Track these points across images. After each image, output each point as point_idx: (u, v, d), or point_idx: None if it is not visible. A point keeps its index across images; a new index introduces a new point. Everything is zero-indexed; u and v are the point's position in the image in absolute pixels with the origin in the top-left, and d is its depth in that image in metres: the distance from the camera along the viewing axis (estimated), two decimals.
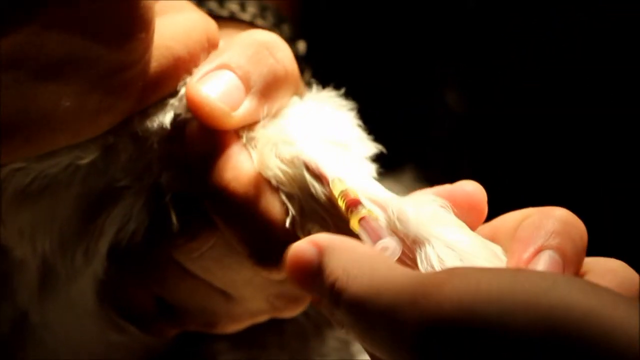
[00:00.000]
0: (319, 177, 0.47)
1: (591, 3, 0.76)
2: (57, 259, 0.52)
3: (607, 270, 0.41)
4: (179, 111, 0.49)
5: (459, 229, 0.43)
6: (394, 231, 0.44)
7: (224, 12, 0.66)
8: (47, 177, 0.49)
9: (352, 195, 0.44)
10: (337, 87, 0.53)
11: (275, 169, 0.48)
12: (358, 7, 0.83)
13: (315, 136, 0.49)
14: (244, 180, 0.48)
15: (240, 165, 0.48)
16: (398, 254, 0.42)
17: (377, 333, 0.35)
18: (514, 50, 0.80)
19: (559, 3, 0.77)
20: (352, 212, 0.44)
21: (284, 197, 0.48)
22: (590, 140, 0.78)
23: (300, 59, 0.71)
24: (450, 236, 0.43)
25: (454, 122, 0.81)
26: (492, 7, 0.79)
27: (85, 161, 0.48)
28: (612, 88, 0.76)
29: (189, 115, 0.49)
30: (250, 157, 0.48)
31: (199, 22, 0.49)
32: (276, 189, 0.48)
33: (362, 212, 0.43)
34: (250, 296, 0.52)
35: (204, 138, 0.48)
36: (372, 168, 0.51)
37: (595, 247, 0.76)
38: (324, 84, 0.54)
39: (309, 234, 0.47)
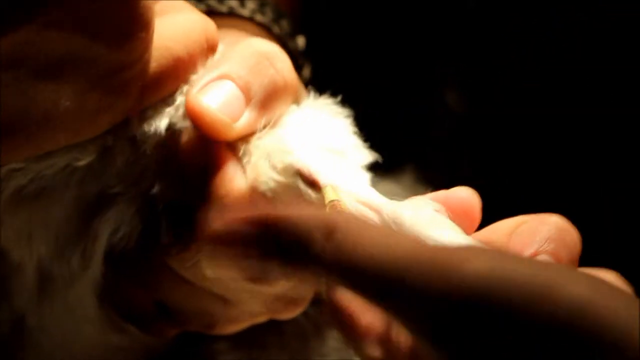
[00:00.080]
0: (313, 184, 0.46)
1: (591, 3, 0.76)
2: (53, 263, 0.52)
3: None
4: (174, 120, 0.49)
5: (454, 232, 0.43)
6: None
7: (223, 8, 0.66)
8: (44, 178, 0.49)
9: (340, 208, 0.44)
10: (336, 87, 0.53)
11: (270, 180, 0.47)
12: (358, 6, 0.83)
13: (311, 144, 0.48)
14: (237, 197, 0.48)
15: (234, 181, 0.48)
16: None
17: (384, 296, 0.35)
18: (514, 50, 0.80)
19: (559, 3, 0.77)
20: None
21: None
22: (590, 140, 0.78)
23: (300, 54, 0.71)
24: (445, 239, 0.43)
25: (454, 122, 0.81)
26: (492, 7, 0.79)
27: (82, 163, 0.48)
28: (612, 88, 0.76)
29: (184, 125, 0.49)
30: (244, 172, 0.48)
31: (198, 22, 0.49)
32: (270, 202, 0.48)
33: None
34: (247, 300, 0.52)
35: (198, 151, 0.49)
36: (368, 176, 0.50)
37: (596, 247, 0.76)
38: (323, 83, 0.54)
39: None
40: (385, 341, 0.39)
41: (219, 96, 0.48)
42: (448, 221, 0.44)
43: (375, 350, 0.40)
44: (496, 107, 0.80)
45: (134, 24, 0.43)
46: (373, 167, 0.52)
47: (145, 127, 0.48)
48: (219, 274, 0.50)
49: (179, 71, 0.48)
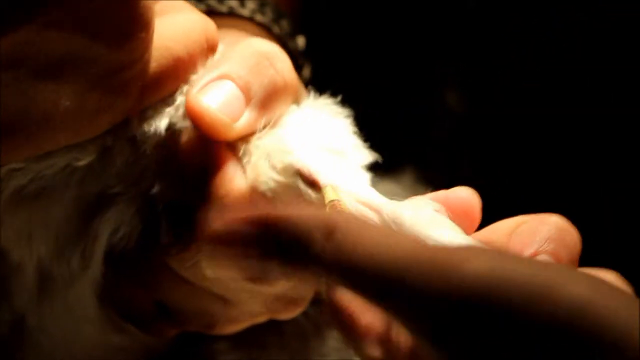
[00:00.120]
0: (313, 184, 0.46)
1: (591, 3, 0.76)
2: (53, 263, 0.52)
3: None
4: (174, 120, 0.49)
5: (454, 232, 0.43)
6: None
7: (223, 8, 0.66)
8: (44, 178, 0.49)
9: (339, 208, 0.44)
10: (336, 87, 0.53)
11: (270, 181, 0.47)
12: (358, 6, 0.83)
13: (311, 144, 0.48)
14: (237, 197, 0.48)
15: (234, 181, 0.48)
16: None
17: (384, 296, 0.34)
18: (514, 50, 0.80)
19: (558, 3, 0.77)
20: None
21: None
22: (590, 140, 0.78)
23: (300, 54, 0.71)
24: (445, 239, 0.43)
25: (453, 122, 0.81)
26: (492, 7, 0.79)
27: (82, 163, 0.48)
28: (612, 88, 0.76)
29: (185, 125, 0.49)
30: (244, 172, 0.48)
31: (198, 22, 0.49)
32: (270, 203, 0.48)
33: None
34: (246, 300, 0.52)
35: (198, 151, 0.49)
36: (368, 176, 0.50)
37: (596, 247, 0.76)
38: (323, 83, 0.54)
39: None
40: (385, 341, 0.39)
41: (219, 96, 0.48)
42: (448, 221, 0.44)
43: (375, 350, 0.40)
44: (496, 107, 0.80)
45: (134, 23, 0.43)
46: (373, 167, 0.52)
47: (145, 127, 0.48)
48: (218, 273, 0.50)
49: (179, 71, 0.48)
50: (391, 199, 0.46)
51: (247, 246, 0.37)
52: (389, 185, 0.66)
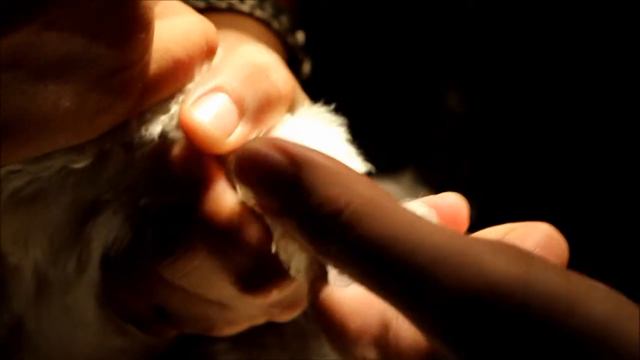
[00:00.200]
0: None
1: (591, 1, 0.76)
2: (49, 267, 0.52)
3: None
4: (168, 129, 0.49)
5: None
6: None
7: (223, 4, 0.66)
8: (40, 180, 0.49)
9: None
10: (337, 87, 0.53)
11: None
12: (357, 5, 0.83)
13: None
14: (227, 213, 0.48)
15: (223, 198, 0.48)
16: (349, 284, 0.40)
17: (391, 285, 0.34)
18: (514, 49, 0.80)
19: (558, 1, 0.77)
20: None
21: (268, 221, 0.47)
22: (590, 140, 0.78)
23: (299, 49, 0.71)
24: None
25: (454, 122, 0.81)
26: (492, 6, 0.79)
27: (79, 165, 0.48)
28: (612, 87, 0.76)
29: (177, 135, 0.48)
30: (234, 187, 0.48)
31: (198, 25, 0.48)
32: (259, 217, 0.48)
33: None
34: (243, 305, 0.52)
35: (189, 165, 0.48)
36: None
37: (596, 247, 0.76)
38: (323, 83, 0.54)
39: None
40: (380, 343, 0.39)
41: (212, 109, 0.47)
42: (439, 224, 0.44)
43: (370, 353, 0.40)
44: (496, 108, 0.80)
45: (134, 24, 0.43)
46: (373, 168, 0.52)
47: (141, 133, 0.48)
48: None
49: (178, 73, 0.48)
50: None
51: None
52: (389, 185, 0.66)
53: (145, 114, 0.48)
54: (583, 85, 0.77)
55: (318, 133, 0.50)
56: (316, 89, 0.55)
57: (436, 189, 0.47)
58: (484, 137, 0.80)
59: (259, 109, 0.49)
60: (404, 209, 0.36)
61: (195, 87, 0.48)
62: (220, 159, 0.49)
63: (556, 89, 0.78)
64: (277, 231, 0.47)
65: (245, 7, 0.67)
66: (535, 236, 0.42)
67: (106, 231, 0.50)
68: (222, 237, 0.48)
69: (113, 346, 0.55)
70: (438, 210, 0.44)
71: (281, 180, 0.38)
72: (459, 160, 0.81)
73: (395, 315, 0.38)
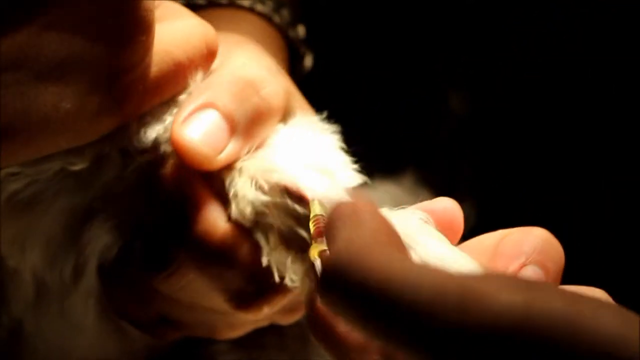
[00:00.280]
0: (300, 200, 0.46)
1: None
2: (46, 271, 0.52)
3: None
4: (161, 140, 0.49)
5: (441, 242, 0.43)
6: None
7: (224, 0, 0.66)
8: (37, 183, 0.49)
9: (322, 224, 0.43)
10: (337, 88, 0.53)
11: (256, 202, 0.47)
12: (356, 5, 0.83)
13: (297, 161, 0.48)
14: (218, 236, 0.48)
15: (214, 219, 0.48)
16: None
17: (395, 330, 0.33)
18: (514, 46, 0.80)
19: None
20: (316, 240, 0.42)
21: (259, 235, 0.47)
22: (591, 141, 0.78)
23: (300, 43, 0.71)
24: (434, 247, 0.42)
25: (454, 123, 0.81)
26: (491, 3, 0.79)
27: (77, 167, 0.48)
28: (615, 90, 0.76)
29: (169, 149, 0.48)
30: (228, 200, 0.48)
31: (198, 28, 0.48)
32: (249, 233, 0.48)
33: (325, 245, 0.42)
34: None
35: (179, 182, 0.48)
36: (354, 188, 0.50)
37: (597, 247, 0.76)
38: (324, 83, 0.54)
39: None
40: (376, 350, 0.39)
41: (202, 127, 0.47)
42: (435, 231, 0.44)
43: None
44: (497, 109, 0.80)
45: (134, 26, 0.43)
46: (374, 169, 0.52)
47: (139, 137, 0.48)
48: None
49: (179, 76, 0.48)
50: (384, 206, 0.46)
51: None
52: (390, 186, 0.66)
53: (145, 117, 0.48)
54: (584, 84, 0.77)
55: (311, 142, 0.50)
56: (316, 90, 0.55)
57: (437, 190, 0.47)
58: (484, 138, 0.80)
59: (250, 124, 0.48)
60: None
61: (187, 102, 0.48)
62: (212, 175, 0.49)
63: (557, 88, 0.78)
64: (269, 243, 0.47)
65: (246, 2, 0.67)
66: (531, 241, 0.42)
67: (99, 239, 0.50)
68: (213, 258, 0.48)
69: (113, 347, 0.55)
70: (434, 216, 0.44)
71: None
72: (460, 161, 0.81)
73: None
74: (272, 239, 0.47)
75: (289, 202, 0.46)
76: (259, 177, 0.47)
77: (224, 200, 0.48)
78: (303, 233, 0.46)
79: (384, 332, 0.33)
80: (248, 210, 0.47)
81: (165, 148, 0.49)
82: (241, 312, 0.49)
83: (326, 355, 0.60)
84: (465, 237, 0.45)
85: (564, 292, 0.33)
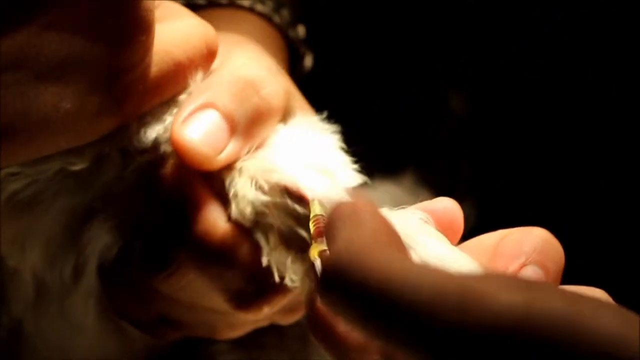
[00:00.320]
0: (300, 200, 0.46)
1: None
2: (46, 272, 0.52)
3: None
4: (161, 140, 0.49)
5: (441, 242, 0.43)
6: None
7: (224, 0, 0.66)
8: (37, 183, 0.49)
9: (322, 224, 0.43)
10: (338, 88, 0.53)
11: (257, 202, 0.47)
12: (356, 6, 0.83)
13: (297, 161, 0.48)
14: (218, 236, 0.48)
15: (214, 219, 0.48)
16: None
17: (395, 331, 0.33)
18: (514, 45, 0.80)
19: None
20: (316, 240, 0.42)
21: (259, 235, 0.47)
22: (591, 141, 0.78)
23: (301, 43, 0.71)
24: (434, 247, 0.42)
25: (455, 124, 0.81)
26: (492, 3, 0.79)
27: (76, 167, 0.48)
28: (613, 88, 0.76)
29: (169, 149, 0.48)
30: (228, 200, 0.48)
31: (198, 28, 0.48)
32: (249, 233, 0.48)
33: (325, 245, 0.42)
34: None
35: (179, 182, 0.48)
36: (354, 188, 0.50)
37: (597, 247, 0.76)
38: (324, 83, 0.54)
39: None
40: (376, 350, 0.39)
41: (202, 127, 0.47)
42: (435, 231, 0.44)
43: None
44: (496, 109, 0.80)
45: (134, 26, 0.43)
46: (374, 169, 0.52)
47: (139, 137, 0.48)
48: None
49: (179, 76, 0.48)
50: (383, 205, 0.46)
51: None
52: (390, 186, 0.66)
53: (145, 117, 0.48)
54: (584, 84, 0.77)
55: (310, 142, 0.50)
56: (316, 90, 0.55)
57: (437, 190, 0.47)
58: (484, 138, 0.80)
59: (250, 124, 0.48)
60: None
61: (187, 102, 0.48)
62: (212, 175, 0.49)
63: (557, 88, 0.78)
64: (269, 243, 0.47)
65: (245, 2, 0.67)
66: (531, 241, 0.42)
67: (99, 239, 0.50)
68: (213, 258, 0.48)
69: (113, 348, 0.55)
70: (434, 216, 0.44)
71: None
72: (460, 161, 0.81)
73: None
74: (272, 239, 0.47)
75: (289, 202, 0.46)
76: (259, 177, 0.47)
77: (224, 200, 0.48)
78: (303, 233, 0.46)
79: (384, 332, 0.33)
80: (248, 210, 0.47)
81: (165, 148, 0.49)
82: (241, 312, 0.49)
83: (326, 355, 0.60)
84: (465, 237, 0.45)
85: (564, 292, 0.33)
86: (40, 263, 0.51)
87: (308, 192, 0.46)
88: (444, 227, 0.44)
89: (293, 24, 0.71)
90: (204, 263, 0.48)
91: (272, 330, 0.59)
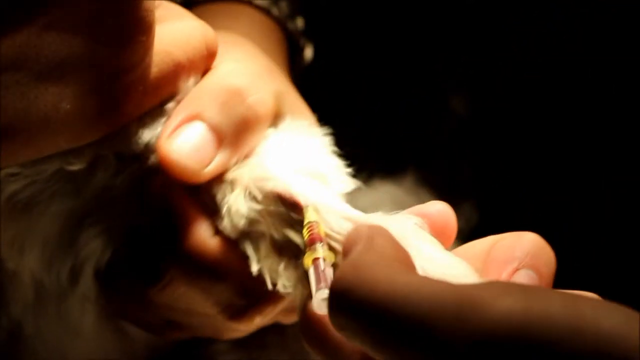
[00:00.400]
0: (294, 207, 0.46)
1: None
2: (44, 274, 0.52)
3: None
4: (153, 149, 0.48)
5: (435, 246, 0.43)
6: None
7: None
8: (36, 184, 0.49)
9: (316, 230, 0.43)
10: (338, 88, 0.53)
11: (251, 211, 0.47)
12: (356, 5, 0.83)
13: (289, 167, 0.48)
14: (206, 249, 0.48)
15: (201, 234, 0.48)
16: None
17: (398, 343, 0.33)
18: (514, 45, 0.80)
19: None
20: (310, 248, 0.43)
21: (249, 244, 0.47)
22: (591, 141, 0.78)
23: (300, 35, 0.71)
24: (429, 252, 0.42)
25: (455, 124, 0.81)
26: (492, 3, 0.79)
27: (74, 167, 0.48)
28: (614, 88, 0.76)
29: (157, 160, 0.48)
30: (210, 221, 0.48)
31: (198, 29, 0.48)
32: (237, 246, 0.48)
33: (319, 252, 0.42)
34: None
35: (164, 199, 0.49)
36: (347, 195, 0.50)
37: (597, 248, 0.76)
38: (325, 84, 0.54)
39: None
40: (369, 357, 0.39)
41: (189, 141, 0.47)
42: (429, 236, 0.44)
43: None
44: (497, 109, 0.80)
45: (135, 26, 0.43)
46: (374, 169, 0.52)
47: (137, 138, 0.48)
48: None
49: (179, 77, 0.48)
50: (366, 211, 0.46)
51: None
52: (390, 187, 0.66)
53: (145, 118, 0.48)
54: (584, 85, 0.77)
55: (301, 147, 0.50)
56: (316, 90, 0.55)
57: (437, 191, 0.47)
58: (484, 138, 0.80)
59: (237, 134, 0.48)
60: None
61: (173, 114, 0.48)
62: (201, 188, 0.48)
63: (557, 88, 0.78)
64: (260, 251, 0.47)
65: None
66: (524, 245, 0.42)
67: (93, 243, 0.50)
68: (203, 273, 0.48)
69: (113, 348, 0.55)
70: (427, 220, 0.44)
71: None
72: (460, 162, 0.80)
73: None
74: (264, 246, 0.47)
75: (283, 209, 0.46)
76: (252, 187, 0.47)
77: (212, 213, 0.48)
78: (297, 239, 0.46)
79: (388, 345, 0.33)
80: (242, 223, 0.47)
81: (154, 160, 0.48)
82: (233, 324, 0.50)
83: None
84: (466, 236, 0.45)
85: (562, 294, 0.33)
86: (38, 265, 0.51)
87: (301, 198, 0.46)
88: (437, 231, 0.44)
89: (292, 16, 0.71)
90: (194, 278, 0.49)
91: (272, 330, 0.59)
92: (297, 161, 0.48)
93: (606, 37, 0.76)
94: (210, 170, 0.47)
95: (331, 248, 0.44)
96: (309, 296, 0.41)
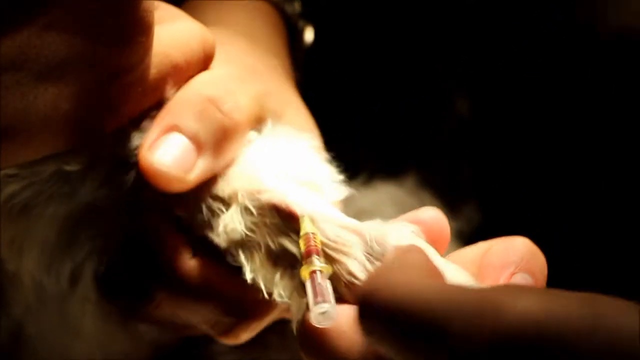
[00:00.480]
0: (290, 217, 0.46)
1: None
2: (43, 276, 0.52)
3: None
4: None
5: (434, 254, 0.43)
6: (369, 254, 0.44)
7: None
8: (34, 185, 0.49)
9: (312, 242, 0.44)
10: (339, 88, 0.53)
11: (248, 222, 0.47)
12: (356, 5, 0.83)
13: (284, 178, 0.48)
14: (186, 273, 0.49)
15: (178, 258, 0.49)
16: (331, 322, 0.41)
17: (421, 345, 0.34)
18: (514, 50, 0.80)
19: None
20: (306, 260, 0.43)
21: (241, 255, 0.47)
22: (591, 143, 0.78)
23: (298, 17, 0.71)
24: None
25: (456, 124, 0.81)
26: (492, 3, 0.79)
27: (71, 168, 0.48)
28: (614, 91, 0.76)
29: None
30: (186, 243, 0.49)
31: (196, 31, 0.49)
32: (219, 266, 0.48)
33: (316, 265, 0.43)
34: None
35: (147, 228, 0.49)
36: (347, 196, 0.50)
37: (597, 248, 0.76)
38: (325, 85, 0.54)
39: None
40: None
41: (170, 151, 0.47)
42: (425, 244, 0.44)
43: None
44: (498, 109, 0.80)
45: (134, 27, 0.43)
46: (375, 170, 0.52)
47: (129, 147, 0.48)
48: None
49: (177, 78, 0.48)
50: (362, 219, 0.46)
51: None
52: (391, 187, 0.66)
53: (142, 122, 0.48)
54: (584, 85, 0.77)
55: (291, 153, 0.50)
56: (316, 90, 0.55)
57: (438, 191, 0.47)
58: (485, 139, 0.80)
59: (217, 141, 0.48)
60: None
61: (152, 126, 0.48)
62: (193, 197, 0.49)
63: (557, 88, 0.78)
64: (255, 262, 0.47)
65: None
66: (518, 250, 0.42)
67: (91, 247, 0.51)
68: (186, 295, 0.49)
69: (115, 348, 0.55)
70: (422, 226, 0.44)
71: None
72: (461, 162, 0.81)
73: None
74: (258, 257, 0.47)
75: (278, 219, 0.46)
76: (248, 203, 0.47)
77: (188, 230, 0.49)
78: (292, 249, 0.46)
79: (411, 348, 0.34)
80: (237, 237, 0.47)
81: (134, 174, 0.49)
82: (222, 340, 0.51)
83: None
84: (467, 237, 0.46)
85: (578, 294, 0.33)
86: (37, 267, 0.51)
87: (297, 208, 0.46)
88: (431, 237, 0.44)
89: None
90: (180, 300, 0.49)
91: (273, 330, 0.59)
92: (289, 170, 0.48)
93: (606, 37, 0.76)
94: (195, 175, 0.47)
95: (328, 257, 0.44)
96: (307, 307, 0.41)
